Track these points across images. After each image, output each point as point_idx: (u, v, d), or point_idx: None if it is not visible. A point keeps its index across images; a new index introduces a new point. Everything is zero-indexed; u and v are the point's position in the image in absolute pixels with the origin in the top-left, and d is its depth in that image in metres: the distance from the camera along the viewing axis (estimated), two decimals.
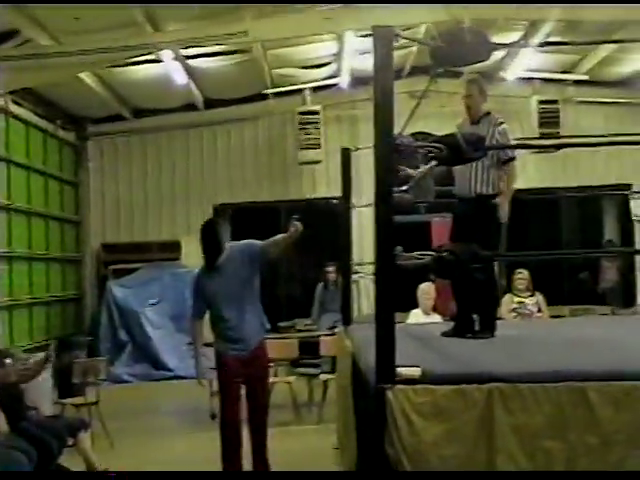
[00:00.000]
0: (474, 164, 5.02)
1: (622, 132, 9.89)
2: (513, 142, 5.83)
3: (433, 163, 3.81)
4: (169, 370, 12.01)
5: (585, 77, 12.39)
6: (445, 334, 5.28)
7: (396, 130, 4.20)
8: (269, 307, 6.10)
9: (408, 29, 9.13)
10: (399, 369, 3.31)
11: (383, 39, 3.30)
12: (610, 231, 14.11)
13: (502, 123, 5.24)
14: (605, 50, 11.23)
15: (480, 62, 3.87)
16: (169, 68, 10.92)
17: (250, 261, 5.73)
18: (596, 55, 11.55)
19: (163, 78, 11.27)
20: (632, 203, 12.56)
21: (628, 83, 12.76)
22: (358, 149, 6.89)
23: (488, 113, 5.32)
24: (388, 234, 3.27)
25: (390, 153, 3.24)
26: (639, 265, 13.06)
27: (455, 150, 3.37)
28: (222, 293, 5.66)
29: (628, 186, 12.73)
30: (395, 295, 3.30)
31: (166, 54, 10.25)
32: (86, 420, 6.84)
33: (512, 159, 5.22)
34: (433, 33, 8.51)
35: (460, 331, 5.26)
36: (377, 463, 3.35)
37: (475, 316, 5.37)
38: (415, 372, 3.33)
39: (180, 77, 11.33)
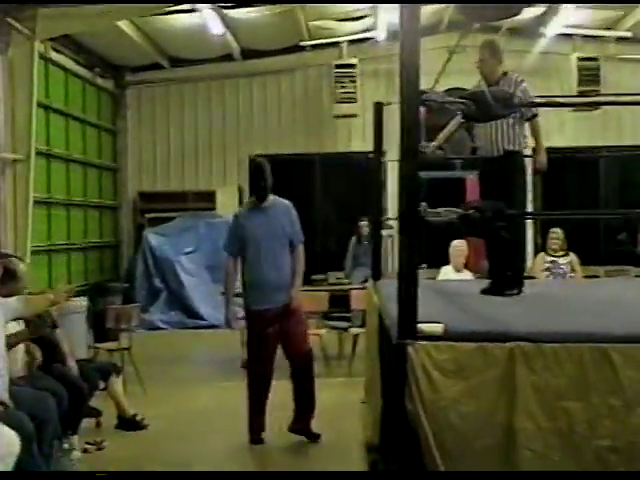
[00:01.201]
0: (498, 122, 5.03)
1: None
2: (539, 100, 5.83)
3: (461, 119, 3.77)
4: (202, 319, 12.19)
5: (628, 34, 12.05)
6: (483, 291, 5.28)
7: (428, 85, 4.17)
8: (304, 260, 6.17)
9: None
10: (420, 325, 3.30)
11: None
12: None
13: (522, 81, 5.24)
14: None
15: (510, 17, 3.79)
16: (206, 18, 10.87)
17: (292, 223, 5.88)
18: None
19: (200, 28, 11.25)
20: None
21: None
22: (390, 103, 6.82)
23: (505, 73, 5.30)
24: (413, 189, 3.25)
25: (416, 108, 3.21)
26: None
27: (483, 106, 3.33)
28: (263, 234, 5.74)
29: None
30: (418, 250, 3.29)
31: (203, 4, 10.19)
32: (118, 365, 7.00)
33: (536, 116, 5.23)
34: None
35: (497, 289, 5.26)
36: (398, 418, 3.38)
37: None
38: (437, 328, 3.33)
39: (217, 27, 11.28)
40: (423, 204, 3.13)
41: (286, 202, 5.97)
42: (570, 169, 12.72)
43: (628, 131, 12.75)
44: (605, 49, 12.45)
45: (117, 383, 6.39)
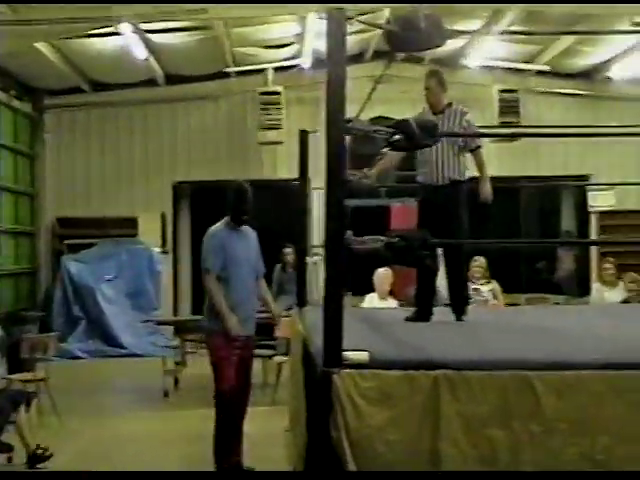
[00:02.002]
0: (444, 152, 5.18)
1: (581, 124, 10.06)
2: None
3: (387, 149, 3.82)
4: (123, 347, 11.95)
5: (546, 68, 12.48)
6: (408, 319, 5.30)
7: (353, 114, 4.18)
8: None
9: (370, 13, 9.06)
10: (346, 353, 3.29)
11: (336, 21, 3.27)
12: (568, 222, 14.31)
13: (467, 113, 5.39)
14: (566, 41, 11.32)
15: (434, 48, 3.86)
16: (128, 42, 10.73)
17: (259, 253, 5.84)
18: (557, 46, 11.64)
19: (122, 52, 11.07)
20: (589, 195, 12.74)
21: (588, 75, 12.89)
22: (316, 131, 6.87)
23: (450, 104, 5.42)
24: (338, 217, 3.25)
25: (341, 136, 3.22)
26: (594, 256, 13.27)
27: (408, 136, 3.37)
28: (243, 257, 5.63)
29: (586, 177, 12.90)
30: (343, 278, 3.29)
31: (125, 28, 10.05)
32: (31, 392, 6.71)
33: (479, 147, 5.38)
34: (389, 17, 8.51)
35: (421, 316, 5.31)
36: (323, 447, 3.34)
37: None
38: (362, 357, 3.32)
39: (140, 51, 11.15)
40: (349, 232, 3.13)
41: (252, 230, 5.89)
42: (492, 198, 13.00)
43: (546, 162, 13.12)
44: (524, 82, 12.81)
45: (25, 416, 6.04)
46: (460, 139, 5.29)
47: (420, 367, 3.35)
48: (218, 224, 5.73)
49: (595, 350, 3.81)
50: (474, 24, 10.85)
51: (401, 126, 3.44)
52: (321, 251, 8.87)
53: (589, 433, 3.34)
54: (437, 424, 3.30)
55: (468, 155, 5.39)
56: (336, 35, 3.21)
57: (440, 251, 5.31)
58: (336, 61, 3.22)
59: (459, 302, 5.43)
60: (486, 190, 5.37)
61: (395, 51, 5.13)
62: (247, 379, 5.81)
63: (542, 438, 3.32)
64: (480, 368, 3.36)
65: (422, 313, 5.33)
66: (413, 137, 3.34)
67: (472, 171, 5.49)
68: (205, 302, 5.74)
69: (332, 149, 3.25)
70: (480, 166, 5.41)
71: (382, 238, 3.23)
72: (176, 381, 9.11)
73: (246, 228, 5.79)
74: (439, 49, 6.19)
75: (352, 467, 3.24)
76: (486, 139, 11.14)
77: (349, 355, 3.30)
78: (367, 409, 3.26)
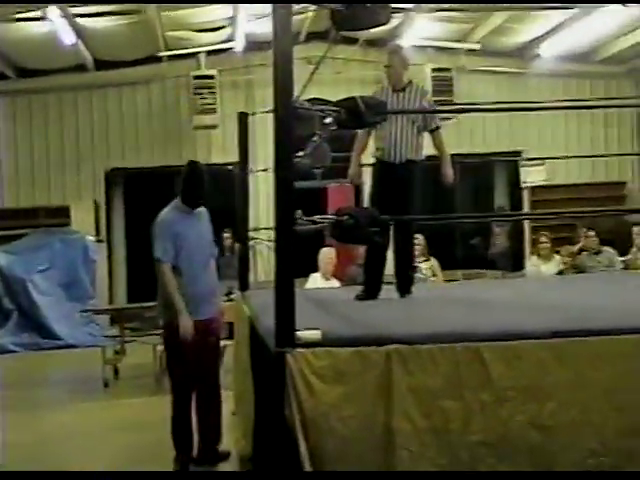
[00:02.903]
0: (402, 130, 5.19)
1: (513, 100, 10.23)
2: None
3: (332, 127, 3.81)
4: (59, 339, 11.71)
5: (477, 46, 12.64)
6: (358, 297, 5.32)
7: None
8: None
9: None
10: (299, 333, 3.30)
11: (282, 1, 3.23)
12: (500, 198, 14.60)
13: (428, 92, 5.54)
14: (497, 19, 11.48)
15: (379, 26, 3.86)
16: (57, 27, 10.45)
17: (211, 232, 5.67)
18: (488, 24, 11.81)
19: (50, 37, 10.80)
20: (521, 170, 13.00)
21: (519, 53, 13.12)
22: (255, 114, 6.84)
23: (410, 82, 5.42)
24: (288, 199, 3.24)
25: (290, 117, 3.20)
26: (527, 231, 13.58)
27: (354, 114, 3.37)
28: (196, 242, 5.37)
29: (518, 153, 13.16)
30: (295, 259, 3.29)
31: (53, 12, 9.78)
32: None
33: (439, 128, 5.41)
34: None
35: (370, 293, 5.34)
36: (274, 427, 3.34)
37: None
38: (315, 335, 3.33)
39: (68, 36, 10.88)
40: (299, 212, 3.13)
41: (205, 210, 5.62)
42: (425, 177, 13.12)
43: (479, 140, 13.33)
44: (457, 61, 12.95)
45: None
46: (420, 119, 5.28)
47: (372, 343, 3.37)
48: (167, 208, 5.43)
49: (539, 320, 3.91)
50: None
51: (347, 104, 3.44)
52: (255, 235, 8.85)
53: (537, 400, 3.42)
54: (390, 398, 3.33)
55: (425, 134, 5.39)
56: (282, 15, 3.17)
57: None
58: (283, 41, 3.18)
59: (405, 281, 5.47)
60: (448, 173, 5.41)
61: (339, 30, 5.10)
62: (208, 366, 5.57)
63: (492, 407, 3.39)
64: (431, 341, 3.40)
65: (371, 291, 5.36)
66: (359, 115, 3.35)
67: (427, 151, 5.49)
68: (158, 292, 5.48)
69: (281, 130, 3.22)
70: (440, 147, 5.43)
71: (332, 217, 3.24)
72: (116, 371, 9.00)
73: (199, 210, 5.51)
74: (373, 30, 6.20)
75: (304, 446, 3.24)
76: None
77: (301, 334, 3.30)
78: (321, 387, 3.27)
